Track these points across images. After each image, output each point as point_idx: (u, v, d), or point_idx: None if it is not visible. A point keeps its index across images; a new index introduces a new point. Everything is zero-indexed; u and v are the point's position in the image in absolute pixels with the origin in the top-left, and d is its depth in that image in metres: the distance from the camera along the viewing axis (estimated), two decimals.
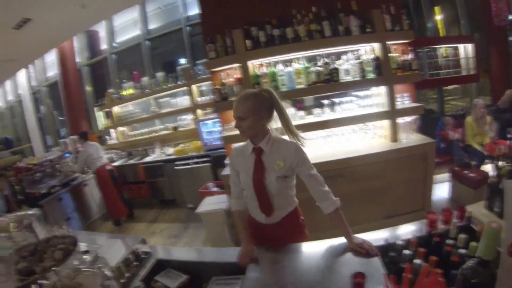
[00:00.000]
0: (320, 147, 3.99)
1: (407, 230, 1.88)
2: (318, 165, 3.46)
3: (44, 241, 1.54)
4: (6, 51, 7.30)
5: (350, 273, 1.51)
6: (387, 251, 1.67)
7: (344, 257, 1.76)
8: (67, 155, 6.97)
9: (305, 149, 2.07)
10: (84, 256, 1.88)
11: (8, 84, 12.45)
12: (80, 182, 6.49)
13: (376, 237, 1.85)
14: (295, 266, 1.78)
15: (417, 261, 1.40)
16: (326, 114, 3.99)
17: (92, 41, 9.38)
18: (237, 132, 2.14)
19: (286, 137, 2.08)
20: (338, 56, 3.95)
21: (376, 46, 3.74)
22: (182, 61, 7.93)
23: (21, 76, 11.38)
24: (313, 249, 1.93)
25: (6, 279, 1.68)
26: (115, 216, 6.27)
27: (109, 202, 6.25)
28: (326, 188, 2.07)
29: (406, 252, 1.52)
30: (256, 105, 1.92)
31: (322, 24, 3.62)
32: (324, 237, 1.99)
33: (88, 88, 9.70)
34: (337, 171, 3.60)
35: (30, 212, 1.95)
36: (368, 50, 3.81)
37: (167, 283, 2.00)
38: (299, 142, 2.07)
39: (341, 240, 1.90)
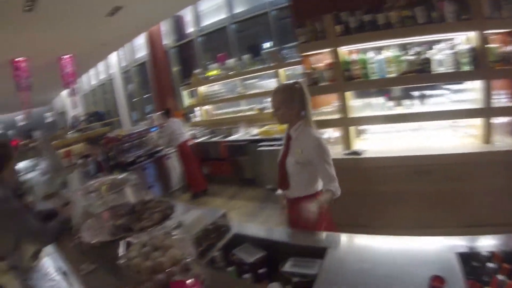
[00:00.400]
0: (407, 140, 3.78)
1: (490, 242, 1.72)
2: (406, 159, 3.48)
3: (141, 203, 1.72)
4: (100, 36, 8.05)
5: (427, 275, 1.46)
6: (469, 259, 1.56)
7: (422, 257, 1.68)
8: (153, 129, 7.60)
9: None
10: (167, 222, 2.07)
11: (100, 64, 13.89)
12: (163, 155, 7.08)
13: (456, 243, 1.73)
14: (371, 257, 1.76)
15: (500, 277, 1.30)
16: (415, 107, 3.73)
17: (178, 25, 9.98)
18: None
19: (316, 132, 2.31)
20: (430, 45, 3.61)
21: (472, 35, 3.35)
22: (267, 45, 7.99)
23: (113, 57, 12.60)
24: (391, 243, 1.88)
25: (98, 233, 1.94)
26: (195, 189, 6.68)
27: (189, 176, 6.70)
28: (332, 185, 2.28)
29: (490, 265, 1.42)
30: (287, 98, 2.25)
31: (415, 10, 3.35)
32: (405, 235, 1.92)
33: (175, 69, 10.33)
34: (425, 167, 3.40)
35: (126, 176, 2.19)
36: (464, 40, 3.45)
37: (244, 257, 2.11)
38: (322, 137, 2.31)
39: (422, 239, 1.83)
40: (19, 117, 20.71)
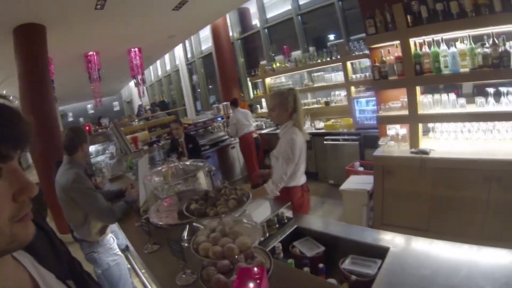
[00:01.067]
0: (479, 142, 3.48)
1: None
2: (476, 162, 3.23)
3: (216, 189, 1.77)
4: (167, 30, 8.28)
5: None
6: None
7: (488, 269, 1.55)
8: (218, 118, 7.77)
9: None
10: None
11: (166, 56, 14.39)
12: (228, 144, 7.21)
13: None
14: (433, 264, 1.66)
15: None
16: (489, 105, 3.35)
17: (243, 17, 10.10)
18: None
19: (296, 131, 2.66)
20: (510, 36, 3.16)
21: None
22: (331, 37, 7.81)
23: (179, 49, 13.01)
24: (454, 251, 1.76)
25: (166, 215, 2.03)
26: (253, 181, 6.75)
27: (249, 167, 6.76)
28: (279, 178, 2.58)
29: None
30: (283, 101, 2.64)
31: None
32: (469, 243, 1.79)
33: (240, 60, 10.42)
34: (496, 173, 3.10)
35: (199, 162, 2.27)
36: None
37: (304, 250, 2.11)
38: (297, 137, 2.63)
39: (488, 250, 1.69)
40: (89, 106, 22.28)
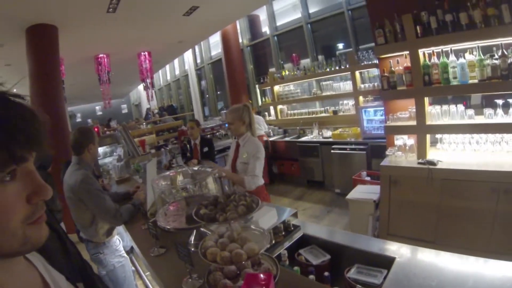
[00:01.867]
0: (487, 154, 3.48)
1: None
2: (484, 174, 3.22)
3: (225, 195, 1.79)
4: (177, 34, 8.38)
5: None
6: None
7: (495, 283, 1.54)
8: (226, 125, 7.81)
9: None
10: None
11: (176, 60, 14.54)
12: None
13: None
14: (439, 275, 1.66)
15: None
16: (498, 117, 3.35)
17: (253, 24, 10.15)
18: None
19: (255, 139, 3.11)
20: None
21: None
22: (340, 46, 7.82)
23: (188, 54, 13.10)
24: (461, 263, 1.75)
25: (174, 219, 2.04)
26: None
27: None
28: (253, 174, 2.93)
29: None
30: (239, 115, 3.04)
31: (501, 8, 3.00)
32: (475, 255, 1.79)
33: (250, 67, 10.48)
34: (504, 185, 3.08)
35: (207, 168, 2.29)
36: None
37: (310, 258, 2.11)
38: (260, 143, 3.12)
39: (496, 263, 1.68)
40: (98, 107, 22.49)
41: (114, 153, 6.19)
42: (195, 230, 2.08)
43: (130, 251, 3.89)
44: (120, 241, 3.11)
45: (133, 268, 3.49)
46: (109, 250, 2.91)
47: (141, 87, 15.17)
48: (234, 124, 3.07)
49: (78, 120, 22.25)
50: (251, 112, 3.13)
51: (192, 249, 1.94)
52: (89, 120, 19.77)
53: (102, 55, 8.71)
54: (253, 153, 2.97)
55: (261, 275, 1.22)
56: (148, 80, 9.41)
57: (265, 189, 3.22)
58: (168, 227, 1.95)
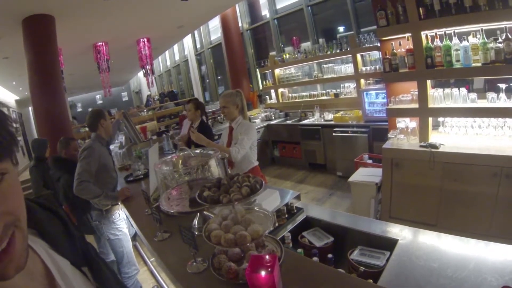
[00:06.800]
0: (489, 138, 3.43)
1: None
2: (485, 158, 3.22)
3: (229, 177, 1.79)
4: (176, 20, 8.27)
5: (498, 284, 1.38)
6: None
7: (495, 264, 1.56)
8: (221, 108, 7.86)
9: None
10: None
11: (175, 46, 14.44)
12: None
13: None
14: (441, 257, 1.68)
15: None
16: (501, 101, 3.30)
17: (253, 7, 10.06)
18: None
19: (247, 121, 3.34)
20: None
21: None
22: (341, 29, 7.74)
23: (188, 39, 13.05)
24: (462, 246, 1.77)
25: (177, 203, 2.05)
26: None
27: None
28: (234, 149, 3.00)
29: None
30: (233, 99, 3.24)
31: None
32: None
33: (250, 51, 10.41)
34: (506, 170, 3.07)
35: (210, 151, 2.29)
36: None
37: (313, 240, 2.13)
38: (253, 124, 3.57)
39: (496, 246, 1.71)
40: (98, 96, 22.43)
41: (116, 141, 6.17)
42: (198, 214, 2.09)
43: (134, 238, 3.94)
44: (122, 219, 3.38)
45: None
46: (108, 221, 3.24)
47: (141, 74, 15.09)
48: (229, 108, 3.24)
49: (79, 110, 22.20)
50: (243, 97, 3.34)
51: (196, 232, 1.95)
52: (89, 109, 19.71)
53: (101, 43, 8.61)
54: (246, 131, 3.14)
55: (267, 256, 1.23)
56: (148, 67, 9.33)
57: (259, 170, 3.36)
58: (172, 211, 1.96)
